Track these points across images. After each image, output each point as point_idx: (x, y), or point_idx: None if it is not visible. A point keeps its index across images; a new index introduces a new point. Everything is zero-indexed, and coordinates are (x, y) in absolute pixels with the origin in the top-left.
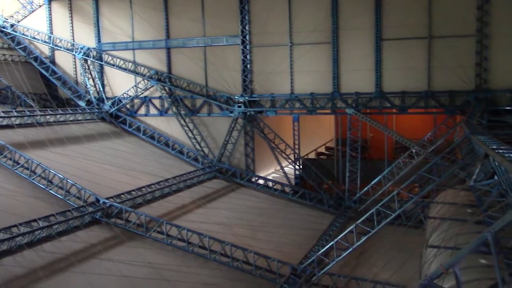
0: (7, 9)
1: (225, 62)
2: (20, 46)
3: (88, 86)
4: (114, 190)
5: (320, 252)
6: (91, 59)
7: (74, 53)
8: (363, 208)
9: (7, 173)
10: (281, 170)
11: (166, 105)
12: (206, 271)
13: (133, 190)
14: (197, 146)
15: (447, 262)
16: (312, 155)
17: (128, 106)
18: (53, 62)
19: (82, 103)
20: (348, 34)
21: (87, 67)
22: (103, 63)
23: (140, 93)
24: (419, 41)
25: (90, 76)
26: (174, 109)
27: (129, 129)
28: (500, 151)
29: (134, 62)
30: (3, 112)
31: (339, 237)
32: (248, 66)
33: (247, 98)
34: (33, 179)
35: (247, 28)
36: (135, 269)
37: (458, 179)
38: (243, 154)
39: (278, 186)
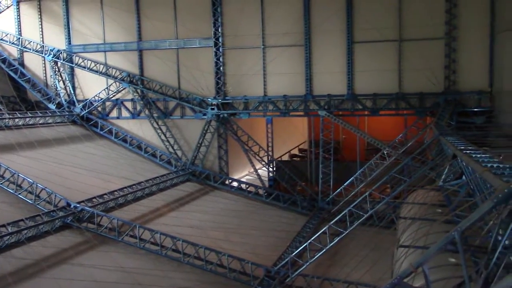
0: None
1: (198, 64)
2: None
3: (59, 88)
4: (86, 194)
5: (293, 254)
6: (61, 61)
7: (43, 55)
8: (336, 209)
9: None
10: (254, 173)
11: (138, 107)
12: (180, 275)
13: (105, 194)
14: (170, 149)
15: (416, 261)
16: (285, 157)
17: (99, 108)
18: (22, 64)
19: (52, 106)
20: (321, 36)
21: (57, 69)
22: (73, 65)
23: (111, 96)
24: (390, 44)
25: (60, 78)
26: (146, 111)
27: (101, 132)
28: (468, 151)
29: (105, 64)
30: None
31: (312, 239)
32: (221, 68)
33: (220, 100)
34: (1, 183)
35: (219, 30)
36: (107, 274)
37: (428, 179)
38: (216, 156)
39: (252, 189)
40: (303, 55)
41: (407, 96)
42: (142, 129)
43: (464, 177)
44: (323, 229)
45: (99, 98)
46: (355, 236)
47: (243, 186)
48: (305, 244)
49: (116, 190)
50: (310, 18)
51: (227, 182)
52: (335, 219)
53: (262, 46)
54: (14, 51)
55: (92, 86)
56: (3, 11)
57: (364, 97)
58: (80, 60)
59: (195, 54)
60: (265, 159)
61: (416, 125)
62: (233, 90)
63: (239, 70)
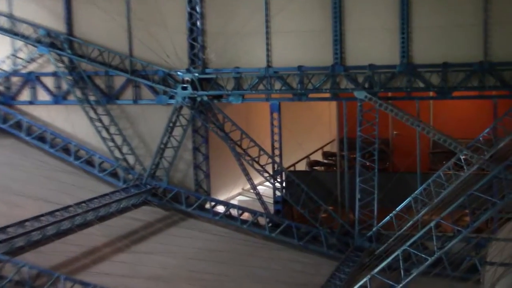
0: None
1: (161, 17)
2: None
3: None
4: None
5: None
6: None
7: None
8: (382, 249)
9: None
10: (252, 191)
11: (64, 86)
12: None
13: (10, 226)
14: (117, 153)
15: None
16: (301, 166)
17: (0, 87)
18: None
19: None
20: None
21: None
22: None
23: (21, 67)
24: None
25: None
26: (78, 93)
27: (3, 126)
28: None
29: (10, 16)
30: None
31: None
32: (198, 23)
33: (197, 74)
34: None
35: None
36: None
37: None
38: (191, 165)
39: (248, 216)
40: (329, 3)
41: (498, 67)
42: (72, 122)
43: None
44: (363, 281)
45: (0, 71)
46: None
47: (234, 212)
48: None
49: (28, 220)
50: None
51: (207, 205)
52: (381, 266)
53: None
54: None
55: None
56: None
57: (428, 69)
58: None
59: (156, 1)
60: (269, 168)
61: None
62: (217, 58)
63: (227, 27)
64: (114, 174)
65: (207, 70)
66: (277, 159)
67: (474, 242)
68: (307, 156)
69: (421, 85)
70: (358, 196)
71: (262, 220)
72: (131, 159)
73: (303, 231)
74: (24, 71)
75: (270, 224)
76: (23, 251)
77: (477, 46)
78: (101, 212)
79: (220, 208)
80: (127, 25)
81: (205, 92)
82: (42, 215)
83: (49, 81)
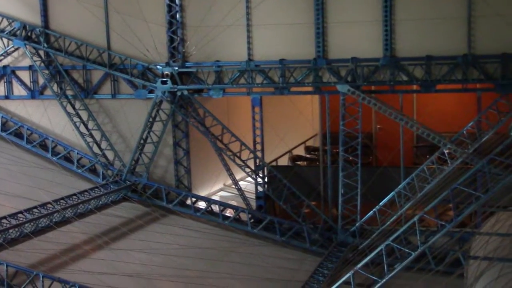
0: None
1: (140, 9)
2: None
3: None
4: None
5: None
6: None
7: None
8: (366, 244)
9: None
10: (234, 186)
11: (41, 80)
12: None
13: None
14: (95, 149)
15: None
16: (284, 161)
17: None
18: None
19: None
20: None
21: None
22: None
23: None
24: None
25: None
26: (55, 87)
27: None
28: None
29: None
30: None
31: None
32: (177, 16)
33: (176, 68)
34: None
35: None
36: None
37: None
38: (171, 160)
39: (230, 212)
40: None
41: (481, 60)
42: (48, 117)
43: None
44: (346, 276)
45: None
46: None
47: (216, 208)
48: None
49: (4, 217)
50: None
51: (189, 201)
52: (365, 261)
53: None
54: None
55: None
56: None
57: (412, 62)
58: None
59: None
60: (251, 163)
61: (496, 106)
62: (197, 51)
63: (208, 19)
64: (93, 170)
65: (187, 64)
66: (259, 154)
67: (457, 236)
68: (290, 151)
69: (405, 78)
70: (341, 191)
71: (244, 216)
72: (110, 155)
73: (286, 227)
74: None
75: (252, 220)
76: (0, 249)
77: (461, 39)
78: (80, 209)
79: (202, 204)
80: (105, 18)
81: (185, 86)
82: (19, 212)
83: (25, 75)
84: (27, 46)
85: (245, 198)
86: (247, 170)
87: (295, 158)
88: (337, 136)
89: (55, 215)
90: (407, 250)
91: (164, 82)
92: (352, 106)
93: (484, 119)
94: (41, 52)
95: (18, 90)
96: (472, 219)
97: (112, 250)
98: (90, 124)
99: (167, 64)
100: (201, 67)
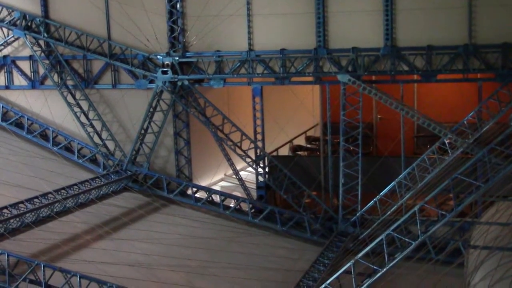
0: None
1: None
2: None
3: None
4: None
5: None
6: None
7: None
8: (366, 234)
9: None
10: (235, 176)
11: (41, 71)
12: None
13: None
14: (96, 139)
15: None
16: (284, 151)
17: None
18: None
19: None
20: None
21: None
22: None
23: None
24: None
25: None
26: (55, 77)
27: None
28: None
29: None
30: None
31: (328, 282)
32: (177, 5)
33: (177, 58)
34: None
35: None
36: None
37: None
38: (172, 150)
39: (230, 202)
40: None
41: (482, 49)
42: (49, 107)
43: None
44: (346, 267)
45: None
46: (397, 278)
47: (216, 198)
48: None
49: (5, 207)
50: None
51: (189, 191)
52: (365, 250)
53: None
54: None
55: None
56: None
57: (412, 52)
58: None
59: None
60: (252, 153)
61: (497, 96)
62: (198, 41)
63: (208, 9)
64: (93, 160)
65: (187, 54)
66: (259, 144)
67: (458, 226)
68: (290, 141)
69: (405, 68)
70: (341, 181)
71: (245, 206)
72: (111, 145)
73: (286, 217)
74: None
75: (253, 210)
76: (2, 239)
77: (462, 28)
78: (81, 199)
79: (202, 194)
80: (105, 8)
81: (186, 76)
82: (20, 202)
83: (25, 65)
84: (27, 36)
85: (246, 188)
86: (248, 160)
87: (295, 148)
88: (338, 126)
89: (56, 205)
90: (407, 240)
91: (164, 72)
92: (352, 96)
93: (485, 109)
94: (41, 42)
95: (18, 80)
96: (472, 208)
97: (113, 240)
98: (91, 114)
99: (168, 54)
100: (202, 57)
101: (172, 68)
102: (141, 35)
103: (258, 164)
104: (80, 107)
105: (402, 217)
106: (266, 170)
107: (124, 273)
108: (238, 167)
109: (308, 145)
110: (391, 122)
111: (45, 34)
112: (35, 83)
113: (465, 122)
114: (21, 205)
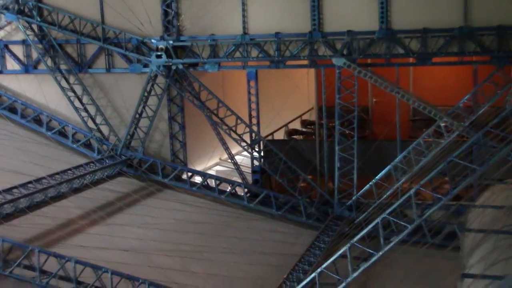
0: None
1: None
2: None
3: None
4: None
5: None
6: None
7: None
8: (362, 218)
9: None
10: (230, 161)
11: (35, 55)
12: None
13: None
14: (90, 124)
15: None
16: (279, 135)
17: None
18: None
19: None
20: None
21: None
22: None
23: None
24: None
25: None
26: (49, 61)
27: None
28: None
29: None
30: None
31: (324, 266)
32: None
33: (171, 42)
34: None
35: None
36: None
37: None
38: (167, 135)
39: (225, 187)
40: None
41: (477, 32)
42: (43, 91)
43: None
44: (342, 250)
45: None
46: (393, 262)
47: (212, 182)
48: (313, 275)
49: None
50: None
51: (184, 176)
52: (361, 234)
53: None
54: None
55: None
56: None
57: (408, 35)
58: None
59: None
60: (247, 138)
61: (492, 79)
62: (192, 25)
63: None
64: (88, 145)
65: (181, 38)
66: (254, 128)
67: (453, 209)
68: (286, 125)
69: (401, 51)
70: (337, 164)
71: (240, 190)
72: (105, 130)
73: (282, 201)
74: None
75: (248, 194)
76: None
77: (457, 11)
78: (75, 184)
79: (198, 179)
80: None
81: (180, 60)
82: (14, 187)
83: (18, 50)
84: (20, 20)
85: (241, 173)
86: (243, 144)
87: (291, 132)
88: (333, 110)
89: (50, 190)
90: (403, 223)
91: (158, 56)
92: (348, 79)
93: (481, 92)
94: (34, 26)
95: (11, 64)
96: (468, 192)
97: (108, 225)
98: (85, 99)
99: (162, 38)
100: (196, 40)
101: (167, 52)
102: (135, 19)
103: (253, 148)
104: (74, 92)
105: (397, 201)
106: (262, 154)
107: (119, 258)
108: (233, 152)
109: (304, 129)
110: (387, 105)
111: (38, 18)
112: (29, 67)
113: (460, 105)
114: (15, 190)
